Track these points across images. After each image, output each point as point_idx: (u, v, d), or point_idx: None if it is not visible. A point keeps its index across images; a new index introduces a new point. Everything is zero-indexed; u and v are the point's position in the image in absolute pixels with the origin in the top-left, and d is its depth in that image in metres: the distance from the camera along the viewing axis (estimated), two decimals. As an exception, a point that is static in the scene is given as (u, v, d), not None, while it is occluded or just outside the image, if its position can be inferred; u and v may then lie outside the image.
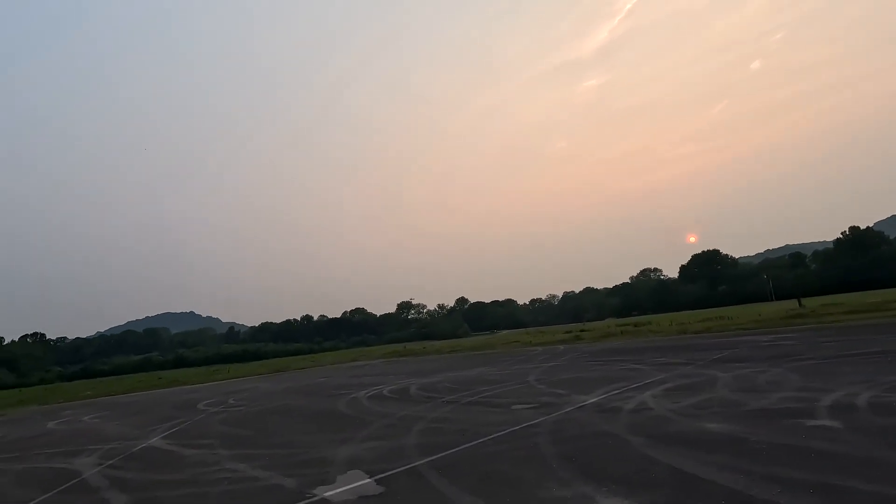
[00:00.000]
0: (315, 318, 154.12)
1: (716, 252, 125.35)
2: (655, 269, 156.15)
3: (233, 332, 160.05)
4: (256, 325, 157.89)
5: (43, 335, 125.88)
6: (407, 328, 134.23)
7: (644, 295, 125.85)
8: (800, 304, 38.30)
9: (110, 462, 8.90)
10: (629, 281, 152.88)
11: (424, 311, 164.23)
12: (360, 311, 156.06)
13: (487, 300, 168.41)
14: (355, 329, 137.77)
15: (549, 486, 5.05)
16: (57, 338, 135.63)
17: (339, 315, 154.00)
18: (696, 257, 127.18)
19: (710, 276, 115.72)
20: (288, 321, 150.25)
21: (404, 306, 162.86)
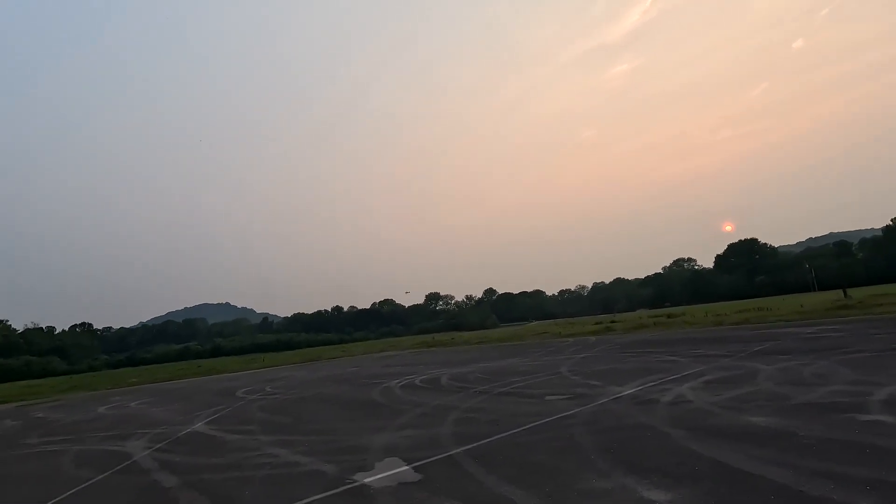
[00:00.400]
0: (345, 308, 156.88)
1: (754, 241, 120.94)
2: (689, 259, 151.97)
3: (266, 322, 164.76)
4: (289, 315, 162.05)
5: (90, 325, 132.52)
6: (435, 319, 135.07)
7: (677, 285, 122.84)
8: (846, 295, 36.60)
9: (158, 445, 9.32)
10: (661, 271, 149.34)
11: (452, 302, 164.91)
12: (388, 302, 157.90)
13: (516, 291, 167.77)
14: (384, 320, 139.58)
15: (589, 477, 5.01)
16: (103, 328, 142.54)
17: (368, 306, 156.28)
18: (732, 246, 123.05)
19: (748, 265, 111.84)
20: (319, 312, 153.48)
21: (432, 297, 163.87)
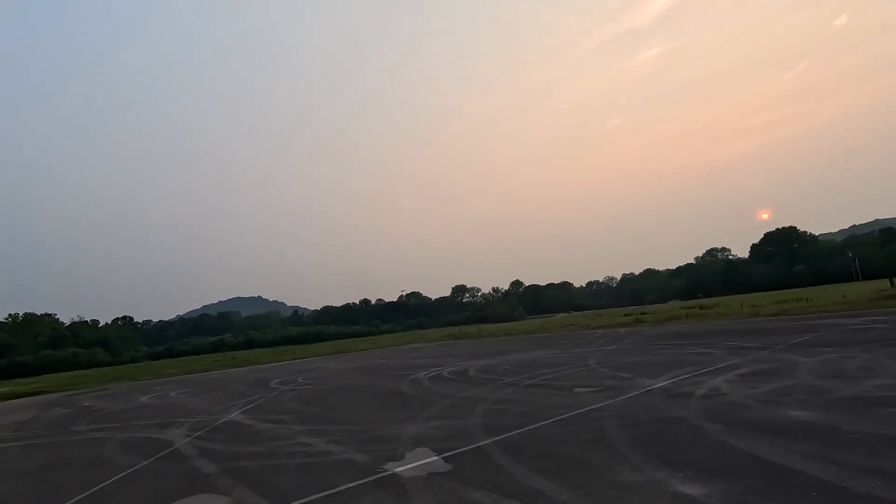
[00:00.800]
0: (373, 301, 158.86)
1: (792, 229, 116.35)
2: (723, 249, 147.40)
3: (297, 315, 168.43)
4: (318, 308, 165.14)
5: (132, 318, 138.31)
6: (462, 312, 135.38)
7: (710, 276, 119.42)
8: (892, 285, 34.85)
9: (197, 434, 9.68)
10: (694, 262, 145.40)
11: (479, 294, 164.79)
12: (415, 295, 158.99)
13: (542, 283, 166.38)
14: (411, 312, 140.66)
15: (620, 470, 4.95)
16: (143, 320, 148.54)
17: (395, 299, 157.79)
18: (769, 235, 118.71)
19: (786, 255, 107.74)
20: (348, 305, 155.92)
21: (459, 290, 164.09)
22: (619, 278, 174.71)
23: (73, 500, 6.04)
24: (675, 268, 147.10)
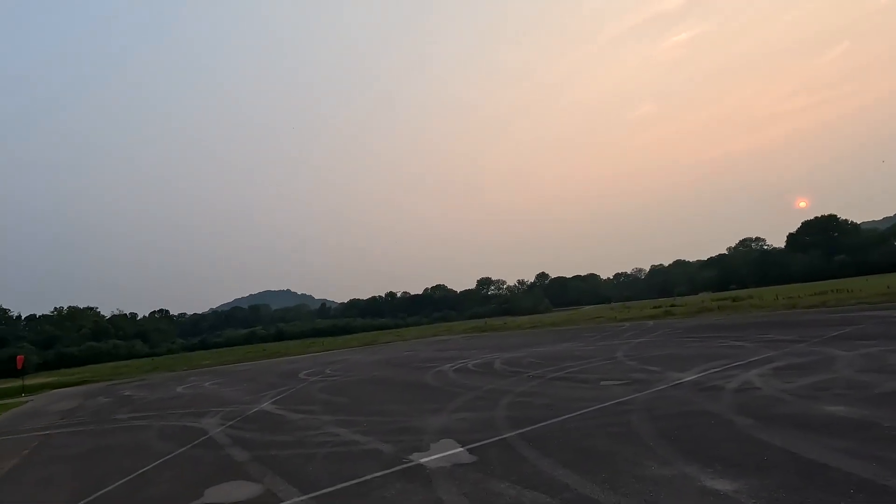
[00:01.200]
0: (398, 294, 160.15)
1: (832, 217, 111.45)
2: (757, 239, 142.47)
3: (324, 308, 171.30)
4: (345, 301, 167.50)
5: (167, 311, 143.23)
6: (487, 304, 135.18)
7: (744, 267, 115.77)
8: (942, 275, 33.04)
9: (230, 423, 10.00)
10: (726, 252, 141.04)
11: (504, 286, 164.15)
12: (440, 288, 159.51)
13: (569, 275, 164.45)
14: (436, 305, 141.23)
15: (648, 464, 4.89)
16: (178, 314, 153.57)
17: (420, 292, 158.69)
18: (807, 224, 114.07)
19: (825, 244, 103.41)
20: (373, 298, 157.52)
21: (484, 282, 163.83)
22: (647, 270, 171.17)
23: (115, 485, 6.34)
24: (706, 259, 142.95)
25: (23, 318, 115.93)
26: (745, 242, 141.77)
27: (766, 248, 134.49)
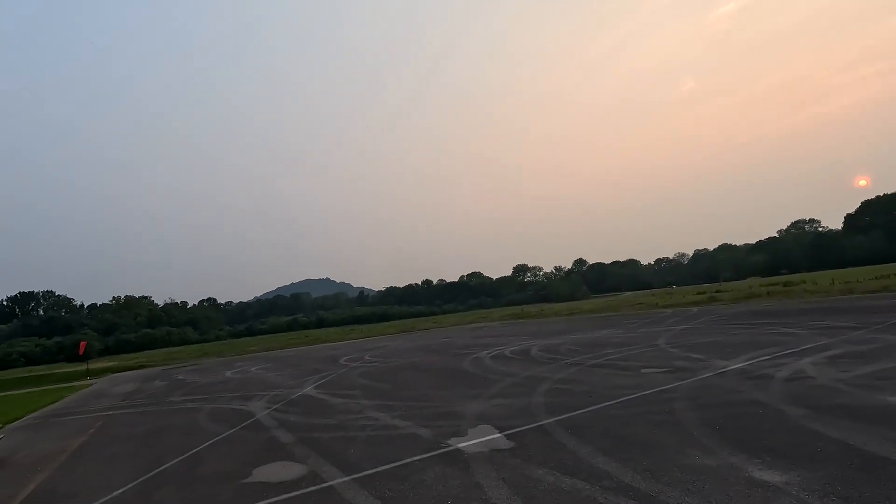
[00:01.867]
0: (434, 282, 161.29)
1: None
2: (811, 220, 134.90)
3: (362, 295, 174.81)
4: (382, 289, 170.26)
5: (215, 300, 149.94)
6: (524, 291, 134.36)
7: (796, 250, 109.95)
8: None
9: (276, 406, 10.41)
10: (776, 235, 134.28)
11: (541, 273, 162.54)
12: (476, 275, 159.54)
13: (607, 261, 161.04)
14: (473, 292, 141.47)
15: (691, 454, 4.76)
16: (225, 302, 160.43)
17: (456, 279, 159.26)
18: (868, 204, 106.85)
19: (888, 225, 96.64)
20: (410, 285, 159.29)
21: (520, 269, 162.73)
22: (690, 255, 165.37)
23: (172, 462, 6.74)
24: (754, 242, 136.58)
25: (85, 306, 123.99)
26: (797, 224, 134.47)
27: (820, 230, 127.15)
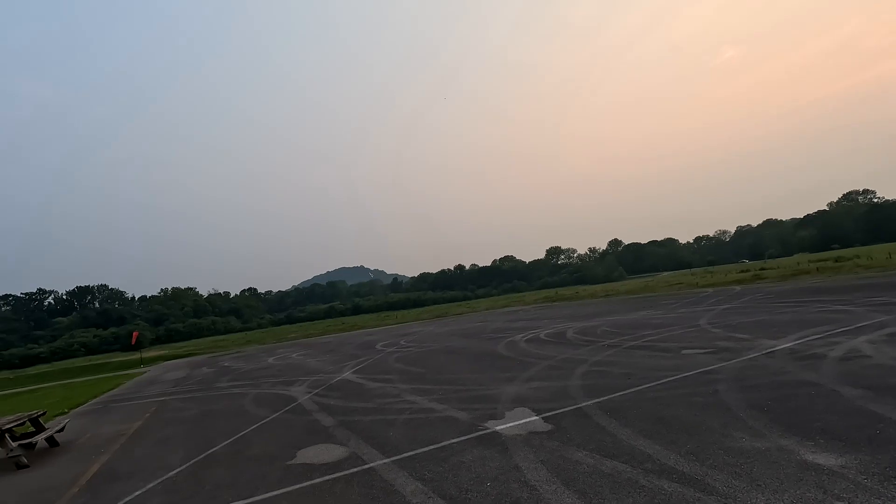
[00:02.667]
0: (467, 267, 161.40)
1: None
2: (865, 192, 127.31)
3: (396, 282, 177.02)
4: (416, 275, 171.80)
5: (256, 289, 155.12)
6: (557, 274, 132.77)
7: (849, 224, 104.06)
8: None
9: (316, 391, 10.72)
10: (827, 208, 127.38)
11: (575, 255, 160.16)
12: (509, 259, 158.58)
13: (644, 240, 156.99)
14: (506, 276, 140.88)
15: (738, 436, 4.61)
16: (265, 291, 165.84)
17: (489, 263, 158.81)
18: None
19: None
20: (443, 271, 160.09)
21: (553, 251, 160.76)
22: (732, 232, 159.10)
23: (222, 445, 7.05)
24: (802, 216, 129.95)
25: (136, 298, 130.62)
26: (849, 196, 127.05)
27: (876, 201, 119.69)
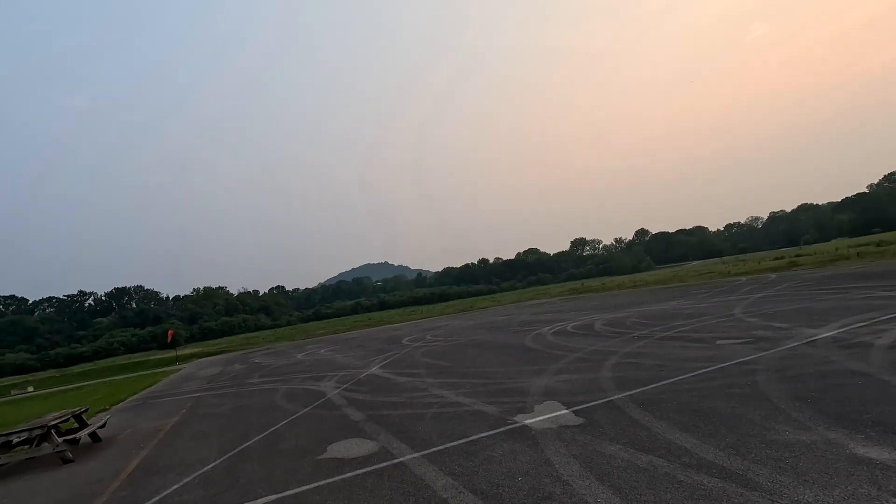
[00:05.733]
0: (491, 260, 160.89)
1: None
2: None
3: (420, 277, 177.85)
4: (440, 270, 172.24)
5: (283, 287, 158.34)
6: (583, 265, 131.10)
7: (891, 206, 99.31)
8: None
9: (345, 386, 10.82)
10: (867, 191, 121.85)
11: (600, 246, 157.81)
12: (533, 252, 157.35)
13: (672, 229, 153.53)
14: (530, 269, 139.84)
15: (780, 429, 4.41)
16: (293, 289, 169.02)
17: (513, 256, 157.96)
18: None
19: None
20: (467, 265, 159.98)
21: (578, 243, 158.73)
22: (765, 218, 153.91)
23: (256, 439, 7.18)
24: (840, 200, 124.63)
25: (170, 298, 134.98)
26: (891, 177, 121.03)
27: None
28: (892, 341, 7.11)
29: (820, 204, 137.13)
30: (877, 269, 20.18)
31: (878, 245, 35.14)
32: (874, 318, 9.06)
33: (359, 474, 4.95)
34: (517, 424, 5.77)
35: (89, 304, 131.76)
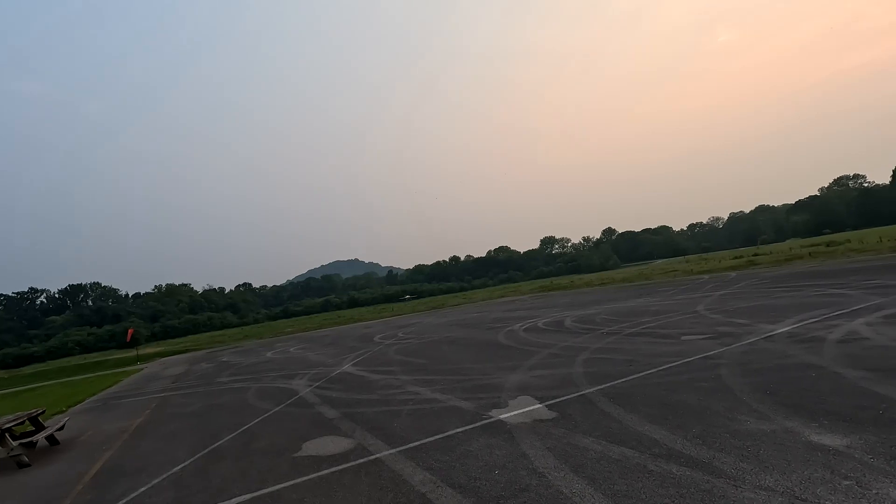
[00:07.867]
0: (462, 258, 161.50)
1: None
2: (856, 176, 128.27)
3: (392, 274, 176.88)
4: (411, 267, 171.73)
5: (250, 284, 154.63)
6: (552, 263, 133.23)
7: (840, 208, 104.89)
8: None
9: (317, 384, 10.71)
10: (818, 193, 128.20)
11: (569, 244, 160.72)
12: (504, 250, 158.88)
13: (638, 228, 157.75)
14: (501, 266, 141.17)
15: (743, 419, 4.65)
16: (260, 286, 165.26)
17: (484, 254, 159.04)
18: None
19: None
20: (438, 262, 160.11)
21: (548, 241, 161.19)
22: (725, 218, 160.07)
23: (227, 438, 7.04)
24: (794, 202, 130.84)
25: (130, 295, 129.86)
26: (841, 181, 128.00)
27: (866, 185, 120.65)
28: (842, 336, 7.55)
29: (776, 205, 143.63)
30: (827, 269, 21.33)
31: (828, 245, 37.10)
32: (826, 315, 9.60)
33: (336, 471, 4.94)
34: (493, 419, 5.86)
35: (41, 301, 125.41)
